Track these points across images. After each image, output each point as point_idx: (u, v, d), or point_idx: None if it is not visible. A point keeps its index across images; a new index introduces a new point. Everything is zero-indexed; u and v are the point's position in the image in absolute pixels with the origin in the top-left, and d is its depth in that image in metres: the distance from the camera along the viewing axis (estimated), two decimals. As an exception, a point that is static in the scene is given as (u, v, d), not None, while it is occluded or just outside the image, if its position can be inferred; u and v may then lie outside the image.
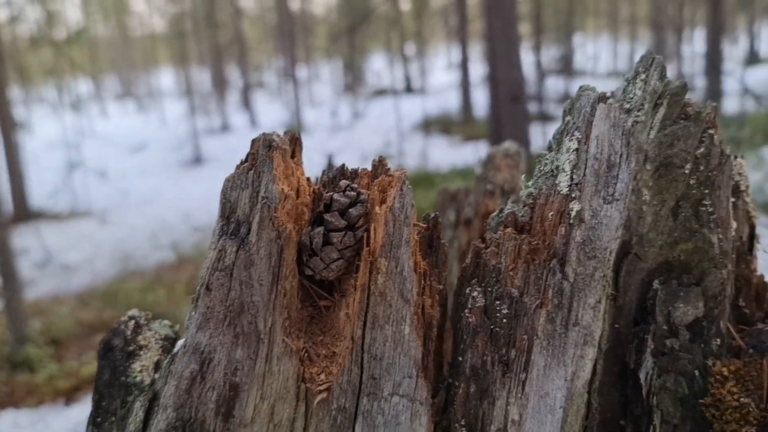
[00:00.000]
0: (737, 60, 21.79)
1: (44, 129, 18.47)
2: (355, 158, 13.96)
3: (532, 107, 14.76)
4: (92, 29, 28.44)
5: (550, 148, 1.00)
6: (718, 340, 1.00)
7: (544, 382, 0.88)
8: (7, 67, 13.23)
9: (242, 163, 0.92)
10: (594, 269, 0.88)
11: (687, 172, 1.04)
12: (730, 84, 13.99)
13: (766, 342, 1.04)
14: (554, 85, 21.00)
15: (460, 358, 0.94)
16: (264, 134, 0.90)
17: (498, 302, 0.92)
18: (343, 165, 1.00)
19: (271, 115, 21.13)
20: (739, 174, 1.18)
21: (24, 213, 11.17)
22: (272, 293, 0.86)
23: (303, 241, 0.89)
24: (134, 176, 14.88)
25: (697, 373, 0.99)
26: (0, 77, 10.80)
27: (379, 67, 29.91)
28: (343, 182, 0.91)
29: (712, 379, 0.99)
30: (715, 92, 13.53)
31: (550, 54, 24.24)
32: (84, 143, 15.71)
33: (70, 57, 15.87)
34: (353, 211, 0.88)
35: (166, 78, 35.75)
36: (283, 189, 0.86)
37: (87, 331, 4.91)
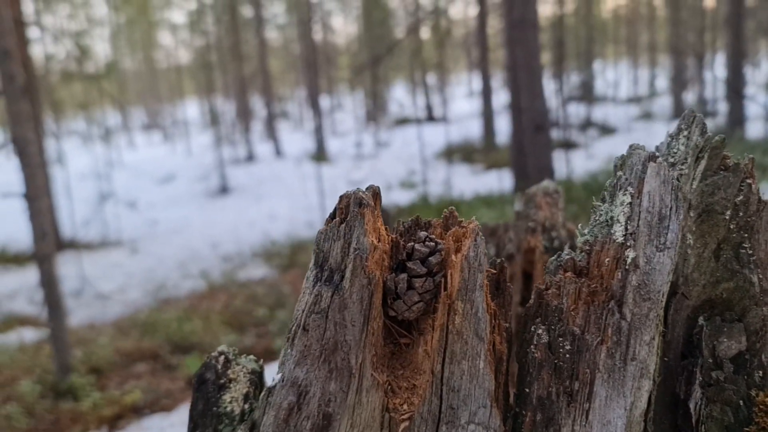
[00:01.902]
0: (759, 84, 21.74)
1: (74, 160, 18.94)
2: (380, 186, 14.13)
3: (555, 134, 14.85)
4: (120, 62, 29.20)
5: (603, 200, 1.11)
6: (761, 372, 1.10)
7: (606, 411, 0.98)
8: (42, 101, 13.67)
9: (331, 217, 1.04)
10: (649, 310, 0.98)
11: (727, 218, 1.14)
12: (752, 109, 14.00)
13: (805, 374, 1.12)
14: (576, 111, 21.12)
15: (527, 390, 1.04)
16: (354, 192, 1.02)
17: (561, 339, 1.02)
18: (418, 216, 1.12)
19: (296, 144, 21.48)
20: None
21: (57, 243, 11.46)
22: (363, 333, 0.98)
23: (388, 285, 1.00)
24: (162, 206, 15.19)
25: (741, 403, 1.08)
26: (36, 112, 11.17)
27: (401, 96, 30.28)
28: (422, 234, 1.03)
29: (756, 408, 1.08)
30: (737, 117, 13.56)
31: (571, 81, 24.37)
32: (113, 174, 16.09)
33: (102, 90, 16.33)
34: (432, 260, 1.00)
35: (191, 109, 36.48)
36: (372, 241, 0.98)
37: (127, 360, 5.04)
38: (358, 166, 14.33)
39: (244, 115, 21.00)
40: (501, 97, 21.86)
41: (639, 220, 1.00)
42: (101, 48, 26.43)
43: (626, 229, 1.01)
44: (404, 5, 25.67)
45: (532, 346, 1.04)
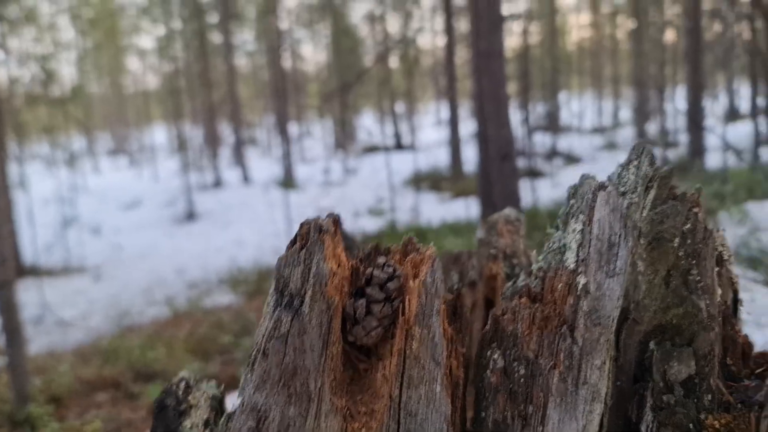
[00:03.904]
0: (718, 116, 22.44)
1: (38, 185, 18.59)
2: (347, 214, 14.14)
3: (521, 163, 15.08)
4: (87, 86, 28.90)
5: (557, 228, 1.15)
6: (710, 395, 1.13)
7: (559, 434, 1.00)
8: (5, 125, 13.44)
9: (292, 243, 1.05)
10: (599, 334, 1.01)
11: (676, 245, 1.19)
12: (711, 140, 14.41)
13: (753, 397, 1.16)
14: (541, 140, 21.52)
15: (483, 414, 1.06)
16: (314, 219, 1.04)
17: (516, 363, 1.05)
18: (378, 243, 1.14)
19: (264, 171, 21.41)
20: (722, 245, 1.33)
21: (17, 269, 11.19)
22: (322, 357, 0.99)
23: (347, 311, 1.02)
24: (128, 232, 14.97)
25: (691, 426, 1.11)
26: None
27: (369, 123, 30.49)
28: (381, 259, 1.05)
29: (705, 431, 1.11)
30: (697, 148, 13.95)
31: (537, 111, 24.87)
32: (78, 199, 15.82)
33: (67, 114, 16.13)
34: (391, 285, 1.02)
35: (159, 134, 36.20)
36: (332, 267, 1.00)
37: (87, 388, 4.91)
38: (326, 193, 14.34)
39: (212, 140, 20.92)
40: (468, 126, 22.18)
41: (590, 247, 1.03)
42: (67, 72, 26.16)
43: (578, 255, 1.04)
44: (373, 34, 26.02)
45: (488, 371, 1.06)
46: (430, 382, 1.02)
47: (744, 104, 28.39)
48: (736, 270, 4.29)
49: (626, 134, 23.88)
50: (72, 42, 25.13)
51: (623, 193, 1.20)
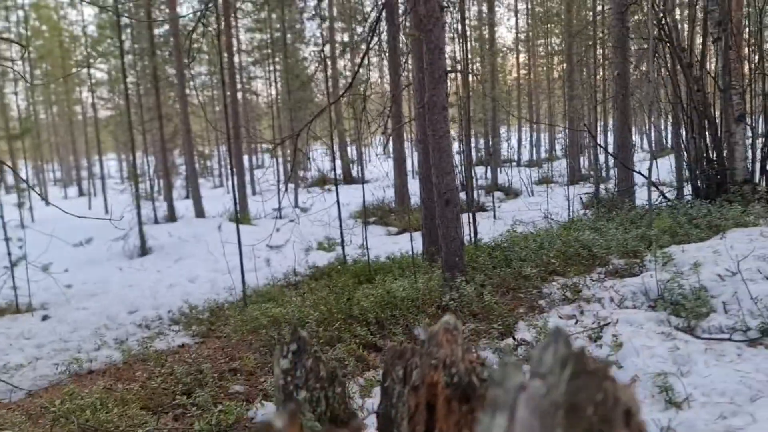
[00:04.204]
0: (645, 150, 23.95)
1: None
2: (299, 248, 14.59)
3: (463, 196, 15.86)
4: (35, 115, 28.57)
5: (488, 413, 1.56)
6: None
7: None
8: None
9: None
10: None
11: (590, 413, 1.66)
12: (639, 177, 15.47)
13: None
14: (482, 174, 22.51)
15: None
16: (266, 422, 1.03)
17: None
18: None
19: (217, 203, 21.66)
20: (632, 399, 1.86)
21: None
22: None
23: None
24: (77, 267, 15.00)
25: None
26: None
27: (320, 157, 31.07)
28: None
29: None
30: (626, 186, 14.96)
31: (478, 146, 25.93)
32: (23, 233, 15.73)
33: (14, 146, 16.11)
34: None
35: (110, 164, 35.81)
36: None
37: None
38: (278, 227, 14.74)
39: (165, 172, 21.08)
40: (415, 160, 23.06)
41: None
42: (14, 101, 25.85)
43: None
44: (324, 75, 26.74)
45: None
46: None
47: (669, 139, 30.30)
48: (661, 315, 5.06)
49: (561, 167, 25.19)
50: (20, 71, 24.91)
51: (543, 375, 1.58)
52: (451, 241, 8.75)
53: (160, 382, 5.74)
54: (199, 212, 20.41)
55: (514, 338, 5.93)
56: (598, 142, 18.20)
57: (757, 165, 11.06)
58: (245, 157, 26.91)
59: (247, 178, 25.73)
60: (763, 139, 11.23)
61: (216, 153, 34.21)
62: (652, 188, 12.21)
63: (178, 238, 16.84)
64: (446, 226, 8.85)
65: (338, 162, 26.98)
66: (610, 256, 8.35)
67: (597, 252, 8.37)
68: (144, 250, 15.85)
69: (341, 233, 12.86)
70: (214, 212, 20.63)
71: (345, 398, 2.53)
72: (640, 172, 12.70)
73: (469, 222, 11.56)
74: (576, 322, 6.20)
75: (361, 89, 14.19)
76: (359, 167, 27.22)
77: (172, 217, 20.13)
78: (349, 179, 25.64)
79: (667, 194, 12.45)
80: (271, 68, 26.12)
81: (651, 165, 9.36)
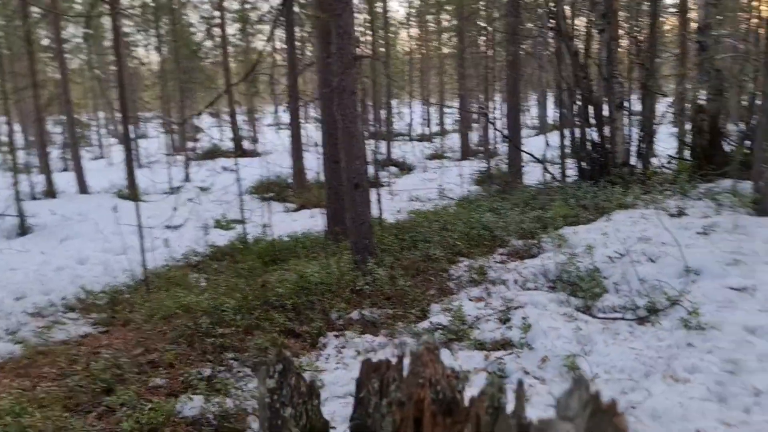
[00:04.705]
0: (531, 126, 25.26)
1: None
2: (195, 226, 14.22)
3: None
4: None
5: None
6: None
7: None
8: None
9: None
10: None
11: None
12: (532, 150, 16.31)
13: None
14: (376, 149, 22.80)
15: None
16: None
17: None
18: None
19: (100, 177, 20.53)
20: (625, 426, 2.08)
21: None
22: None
23: None
24: (-52, 250, 13.78)
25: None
26: None
27: (209, 126, 30.08)
28: None
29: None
30: (516, 166, 15.79)
31: (372, 119, 26.17)
32: None
33: None
34: None
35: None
36: None
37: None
38: (172, 204, 14.25)
39: (41, 143, 19.66)
40: (311, 132, 22.95)
41: None
42: None
43: None
44: (212, 36, 25.78)
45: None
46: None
47: (551, 114, 32.04)
48: (561, 296, 5.52)
49: (453, 142, 26.02)
50: None
51: (571, 419, 1.72)
52: (361, 224, 8.95)
53: (78, 379, 5.53)
54: (83, 187, 19.27)
55: (430, 322, 6.25)
56: (491, 121, 18.97)
57: (634, 148, 12.04)
58: (131, 127, 25.55)
59: (135, 152, 24.49)
60: (640, 125, 12.23)
61: (97, 125, 32.26)
62: (542, 168, 12.99)
63: (62, 216, 15.87)
64: (355, 210, 9.02)
65: (228, 133, 26.30)
66: (509, 237, 8.88)
67: (498, 234, 8.88)
68: (23, 230, 14.82)
69: (242, 211, 12.69)
70: (98, 187, 19.55)
71: (320, 409, 2.69)
72: (533, 155, 13.44)
73: (378, 200, 11.74)
74: (485, 305, 6.61)
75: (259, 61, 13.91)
76: (253, 139, 26.71)
77: (51, 192, 18.88)
78: (241, 153, 25.06)
79: (553, 173, 13.27)
80: (157, 33, 24.88)
81: (545, 153, 9.96)
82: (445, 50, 31.10)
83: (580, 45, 12.55)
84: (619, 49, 11.79)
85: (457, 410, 2.28)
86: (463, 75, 22.97)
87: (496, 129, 14.94)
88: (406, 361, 2.67)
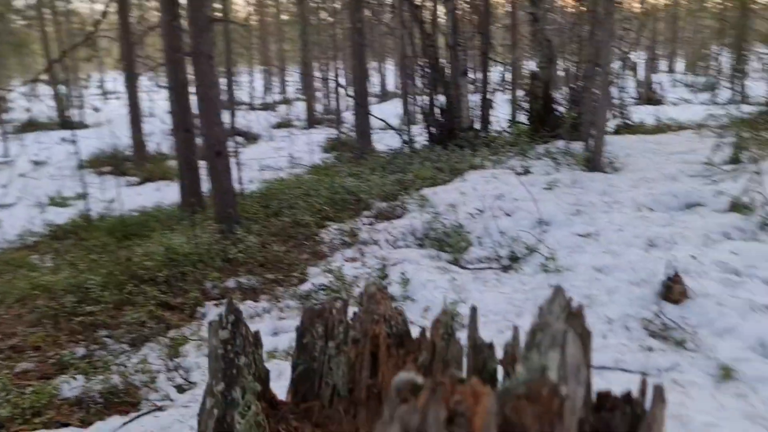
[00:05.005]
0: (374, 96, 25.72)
1: None
2: (27, 205, 13.02)
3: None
4: None
5: (526, 353, 1.88)
6: None
7: None
8: None
9: None
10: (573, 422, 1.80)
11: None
12: (375, 122, 16.71)
13: None
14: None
15: None
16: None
17: None
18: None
19: None
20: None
21: None
22: None
23: None
24: None
25: None
26: None
27: (24, 95, 27.20)
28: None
29: None
30: (364, 130, 16.08)
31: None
32: None
33: None
34: None
35: None
36: None
37: None
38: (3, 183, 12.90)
39: None
40: (148, 102, 21.70)
41: (567, 369, 1.78)
42: None
43: (558, 374, 1.78)
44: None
45: None
46: None
47: (391, 83, 32.91)
48: (431, 252, 5.87)
49: (297, 111, 25.86)
50: None
51: (555, 320, 1.96)
52: (225, 193, 8.76)
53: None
54: None
55: (312, 284, 6.35)
56: (341, 86, 19.11)
57: (478, 114, 12.83)
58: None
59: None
60: (481, 92, 13.03)
61: None
62: (394, 133, 13.41)
63: None
64: (218, 178, 8.80)
65: (49, 102, 24.04)
66: (373, 200, 9.16)
67: (362, 197, 9.12)
68: None
69: (84, 186, 11.80)
70: None
71: (263, 358, 2.76)
72: (386, 122, 13.81)
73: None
74: (362, 264, 6.83)
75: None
76: (78, 108, 24.62)
77: None
78: (66, 122, 23.04)
79: (405, 138, 13.75)
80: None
81: (399, 120, 10.28)
82: (284, 17, 30.66)
83: (426, 14, 13.03)
84: (462, 19, 12.40)
85: (410, 341, 2.45)
86: (307, 42, 22.83)
87: (348, 95, 15.10)
88: (338, 305, 2.77)
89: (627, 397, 1.87)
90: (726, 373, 4.19)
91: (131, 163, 17.28)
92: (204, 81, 8.53)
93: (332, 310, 2.68)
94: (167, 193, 13.90)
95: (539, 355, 1.69)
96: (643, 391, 1.83)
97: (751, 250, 6.00)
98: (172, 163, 16.16)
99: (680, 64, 32.97)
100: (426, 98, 12.88)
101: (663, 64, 31.47)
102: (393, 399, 1.47)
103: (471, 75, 12.80)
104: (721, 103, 16.87)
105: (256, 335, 2.70)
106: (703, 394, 3.98)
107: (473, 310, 2.67)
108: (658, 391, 1.79)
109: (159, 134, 22.28)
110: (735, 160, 8.58)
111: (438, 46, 12.68)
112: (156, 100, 26.61)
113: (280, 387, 2.59)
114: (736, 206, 6.98)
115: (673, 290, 5.23)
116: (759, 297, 5.16)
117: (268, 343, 4.16)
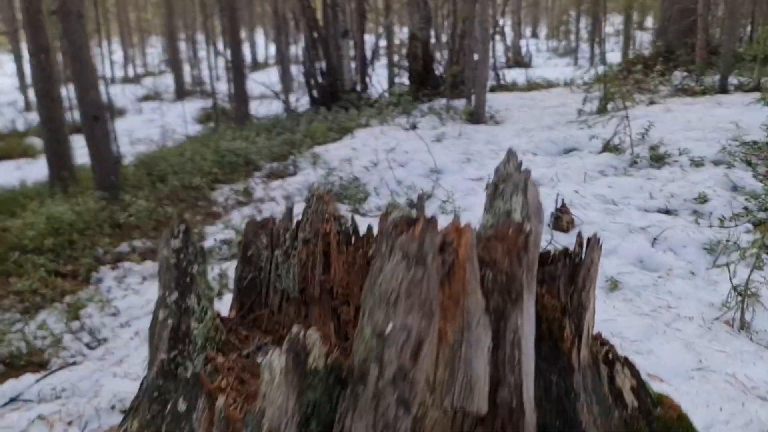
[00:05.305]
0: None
1: None
2: None
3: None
4: None
5: (490, 201, 1.98)
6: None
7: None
8: None
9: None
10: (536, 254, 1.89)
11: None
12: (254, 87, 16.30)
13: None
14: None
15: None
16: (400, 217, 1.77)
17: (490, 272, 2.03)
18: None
19: None
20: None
21: None
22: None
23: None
24: None
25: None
26: None
27: None
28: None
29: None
30: (241, 97, 15.68)
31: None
32: None
33: None
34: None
35: None
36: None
37: None
38: None
39: None
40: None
41: (529, 209, 1.90)
42: None
43: (521, 214, 1.89)
44: None
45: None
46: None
47: (261, 53, 32.19)
48: (342, 207, 5.95)
49: (165, 83, 24.64)
50: None
51: (505, 178, 2.08)
52: (104, 160, 8.32)
53: None
54: None
55: (215, 239, 6.24)
56: (220, 53, 18.48)
57: (358, 76, 12.94)
58: None
59: None
60: (361, 54, 13.13)
61: None
62: (273, 101, 13.27)
63: None
64: (96, 145, 8.34)
65: None
66: (262, 161, 9.05)
67: (252, 158, 8.98)
68: None
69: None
70: None
71: (207, 271, 2.76)
72: (268, 87, 13.57)
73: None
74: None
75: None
76: None
77: None
78: None
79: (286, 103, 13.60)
80: None
81: (288, 91, 10.17)
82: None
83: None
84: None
85: (358, 238, 2.53)
86: (172, 9, 21.78)
87: (228, 59, 14.60)
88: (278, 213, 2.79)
89: (565, 251, 2.09)
90: (614, 285, 4.63)
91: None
92: (75, 41, 8.00)
93: (275, 219, 2.70)
94: (30, 172, 12.88)
95: (503, 203, 1.88)
96: (580, 244, 2.05)
97: (625, 183, 6.60)
98: (34, 140, 15.03)
99: (543, 31, 34.94)
100: (306, 63, 12.78)
101: (527, 31, 33.13)
102: (390, 233, 1.57)
103: (352, 36, 12.82)
104: (583, 66, 18.14)
105: (202, 248, 2.68)
106: (598, 301, 4.40)
107: (420, 197, 2.79)
108: (594, 239, 2.02)
109: (11, 111, 20.56)
110: (603, 110, 9.31)
111: (315, 7, 12.60)
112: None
113: (220, 307, 2.60)
114: (609, 148, 7.62)
115: (562, 220, 5.68)
116: (635, 221, 5.73)
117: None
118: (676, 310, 4.23)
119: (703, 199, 6.08)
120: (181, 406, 1.81)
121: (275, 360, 1.43)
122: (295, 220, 2.63)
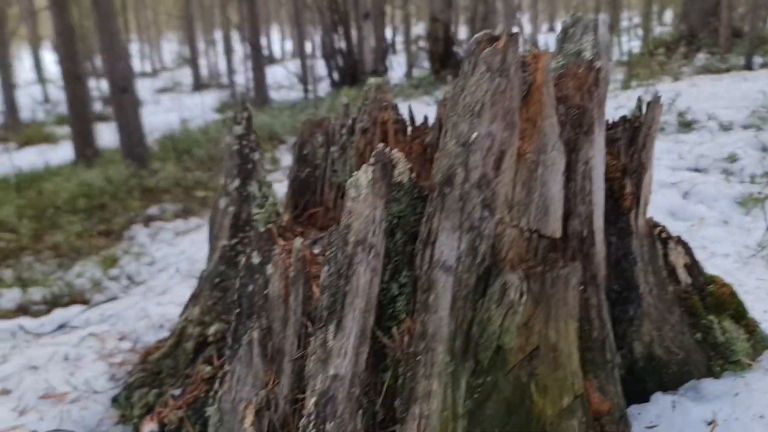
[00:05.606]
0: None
1: None
2: None
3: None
4: None
5: (560, 45, 1.99)
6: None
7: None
8: None
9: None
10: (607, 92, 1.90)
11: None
12: (271, 78, 16.43)
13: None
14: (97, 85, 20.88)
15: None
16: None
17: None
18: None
19: None
20: None
21: None
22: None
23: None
24: None
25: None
26: None
27: None
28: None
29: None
30: (261, 86, 15.80)
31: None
32: None
33: None
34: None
35: None
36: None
37: None
38: None
39: None
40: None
41: (599, 46, 1.91)
42: None
43: (592, 52, 1.91)
44: None
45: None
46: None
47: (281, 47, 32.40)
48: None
49: (184, 74, 24.80)
50: None
51: (575, 22, 2.08)
52: (132, 131, 8.41)
53: None
54: None
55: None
56: (252, 43, 18.57)
57: (379, 58, 12.99)
58: None
59: None
60: (381, 36, 13.18)
61: None
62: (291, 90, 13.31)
63: None
64: (125, 116, 8.44)
65: None
66: (286, 135, 9.14)
67: (276, 132, 9.08)
68: None
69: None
70: None
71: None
72: (295, 73, 13.63)
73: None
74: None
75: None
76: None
77: None
78: None
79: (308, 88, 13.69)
80: None
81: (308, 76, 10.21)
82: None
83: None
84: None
85: (415, 128, 2.56)
86: (190, 2, 21.96)
87: (252, 46, 14.65)
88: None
89: (624, 118, 2.10)
90: (649, 232, 4.62)
91: (3, 129, 15.99)
92: (103, 13, 8.12)
93: (329, 121, 2.72)
94: (54, 156, 13.05)
95: (573, 45, 1.90)
96: (639, 107, 2.07)
97: (657, 145, 6.59)
98: (53, 129, 15.30)
99: (560, 26, 34.44)
100: (325, 45, 12.85)
101: (544, 27, 33.03)
102: (472, 50, 1.59)
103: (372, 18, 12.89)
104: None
105: (257, 140, 2.73)
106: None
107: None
108: (655, 99, 2.04)
109: (32, 103, 20.81)
110: (627, 87, 9.32)
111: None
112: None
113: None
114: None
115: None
116: (665, 178, 5.73)
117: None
118: (711, 249, 4.23)
119: (732, 159, 6.05)
120: (255, 258, 1.85)
121: (362, 175, 1.47)
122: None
